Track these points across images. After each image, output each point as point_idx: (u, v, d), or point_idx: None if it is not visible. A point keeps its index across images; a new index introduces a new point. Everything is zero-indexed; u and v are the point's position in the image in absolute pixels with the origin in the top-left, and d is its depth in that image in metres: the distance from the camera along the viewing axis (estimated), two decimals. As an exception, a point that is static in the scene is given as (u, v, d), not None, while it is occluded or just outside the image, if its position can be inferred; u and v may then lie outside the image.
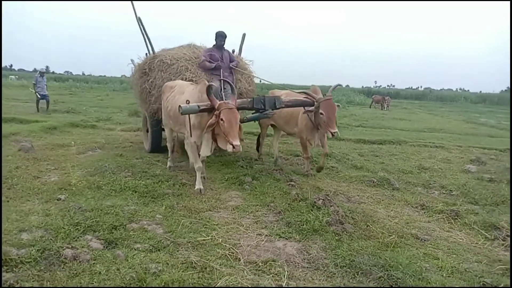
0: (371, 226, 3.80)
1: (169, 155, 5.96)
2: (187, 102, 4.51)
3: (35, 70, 66.91)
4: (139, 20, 6.68)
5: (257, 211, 4.18)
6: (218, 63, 6.17)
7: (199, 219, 3.84)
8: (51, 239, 3.02)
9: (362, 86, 44.84)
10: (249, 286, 2.59)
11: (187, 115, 4.60)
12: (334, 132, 5.10)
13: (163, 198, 4.39)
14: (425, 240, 3.60)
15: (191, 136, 4.75)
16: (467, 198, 5.08)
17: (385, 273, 2.79)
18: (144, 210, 3.94)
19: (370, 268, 2.87)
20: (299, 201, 4.32)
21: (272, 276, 2.78)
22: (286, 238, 3.50)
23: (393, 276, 2.75)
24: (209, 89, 4.38)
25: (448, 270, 3.00)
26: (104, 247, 3.07)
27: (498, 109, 35.00)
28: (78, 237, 3.13)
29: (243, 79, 6.84)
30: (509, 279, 2.87)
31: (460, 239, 3.74)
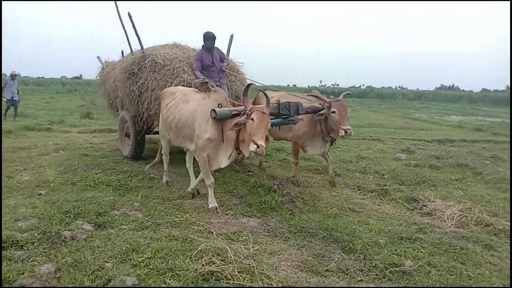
0: (317, 203, 4.63)
1: (164, 169, 5.40)
2: (220, 105, 4.13)
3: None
4: (128, 16, 6.11)
5: (222, 197, 4.82)
6: (204, 79, 5.80)
7: (172, 205, 4.45)
8: (47, 224, 3.49)
9: (308, 86, 46.54)
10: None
11: (209, 122, 4.21)
12: (347, 129, 4.88)
13: (136, 190, 4.91)
14: (359, 212, 4.49)
15: (202, 148, 4.30)
16: (395, 180, 6.08)
17: (327, 234, 3.61)
18: (122, 200, 4.46)
19: (316, 231, 3.68)
20: (258, 187, 5.02)
21: (241, 242, 3.47)
22: (249, 216, 4.22)
23: (334, 235, 3.58)
24: (246, 89, 4.11)
25: (376, 231, 3.86)
26: (95, 229, 3.58)
27: (432, 105, 38.11)
28: (70, 222, 3.61)
29: (238, 81, 6.52)
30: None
31: (388, 210, 4.66)
